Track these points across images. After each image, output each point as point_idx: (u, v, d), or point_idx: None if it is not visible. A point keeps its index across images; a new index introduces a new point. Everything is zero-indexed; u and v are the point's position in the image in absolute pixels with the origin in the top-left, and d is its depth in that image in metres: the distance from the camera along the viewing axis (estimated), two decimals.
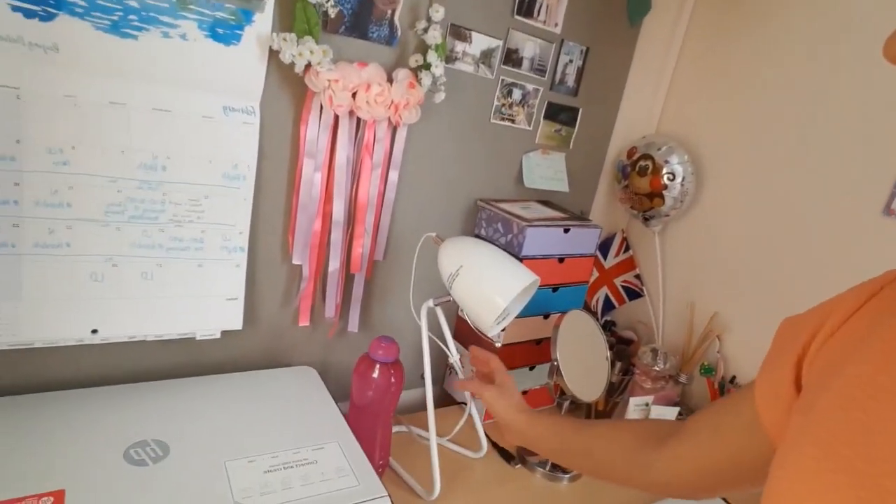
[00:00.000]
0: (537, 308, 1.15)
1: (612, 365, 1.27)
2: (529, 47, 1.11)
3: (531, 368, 1.24)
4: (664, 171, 1.24)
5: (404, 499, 0.91)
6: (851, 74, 1.04)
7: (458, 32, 1.01)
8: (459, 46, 1.02)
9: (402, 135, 0.99)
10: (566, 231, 1.13)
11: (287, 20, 0.83)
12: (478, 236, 1.18)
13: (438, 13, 0.94)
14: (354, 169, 0.97)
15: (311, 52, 0.82)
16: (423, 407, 0.91)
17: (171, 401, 0.84)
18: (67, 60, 0.69)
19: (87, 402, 0.80)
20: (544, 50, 1.13)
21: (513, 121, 1.16)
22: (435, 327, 0.95)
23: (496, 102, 1.12)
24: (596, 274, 1.43)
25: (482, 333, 0.86)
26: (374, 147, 0.96)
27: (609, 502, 1.02)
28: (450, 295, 0.88)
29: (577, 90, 1.23)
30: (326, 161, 0.93)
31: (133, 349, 0.88)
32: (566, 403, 1.14)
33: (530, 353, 1.20)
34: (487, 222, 1.15)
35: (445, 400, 1.24)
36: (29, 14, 0.65)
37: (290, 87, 0.88)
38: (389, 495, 0.75)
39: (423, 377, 0.90)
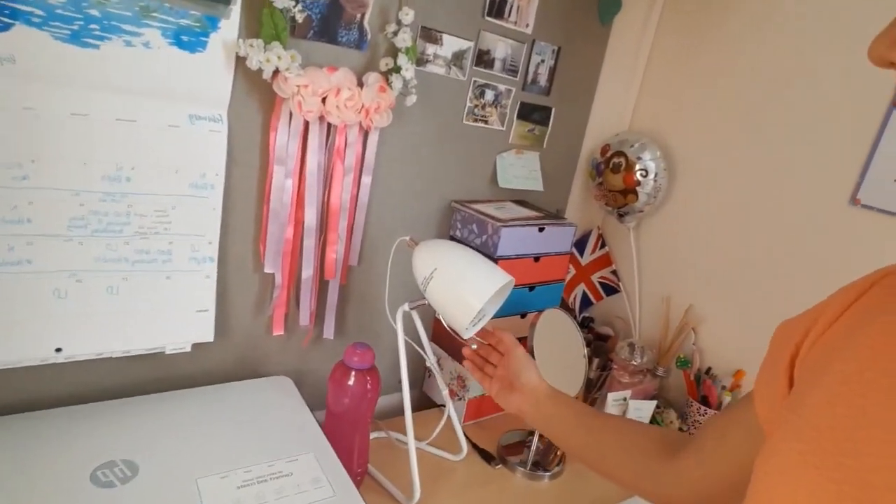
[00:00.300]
0: (514, 307, 1.15)
1: (590, 361, 1.28)
2: (501, 48, 1.11)
3: None
4: (637, 167, 1.25)
5: None
6: (817, 69, 1.06)
7: (428, 35, 1.00)
8: (430, 49, 1.01)
9: (374, 139, 0.98)
10: (541, 230, 1.13)
11: (254, 26, 0.81)
12: (453, 238, 1.17)
13: (408, 16, 0.93)
14: (326, 174, 0.96)
15: (279, 57, 0.81)
16: (402, 411, 0.90)
17: (141, 418, 0.82)
18: (25, 71, 0.67)
19: (51, 424, 0.78)
20: (516, 50, 1.13)
21: (486, 122, 1.16)
22: (411, 331, 0.94)
23: (469, 104, 1.11)
24: (573, 271, 1.44)
25: (458, 336, 0.86)
26: (346, 152, 0.95)
27: (589, 500, 1.03)
28: (425, 298, 0.87)
29: (550, 89, 1.23)
30: (297, 167, 0.92)
31: (100, 366, 0.86)
32: None
33: None
34: (462, 223, 1.15)
35: (424, 403, 1.24)
36: None
37: (258, 93, 0.86)
38: None
39: (400, 382, 0.89)
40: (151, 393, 0.89)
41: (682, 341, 1.28)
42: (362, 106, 0.91)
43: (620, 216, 1.33)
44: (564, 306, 1.40)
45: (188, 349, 0.90)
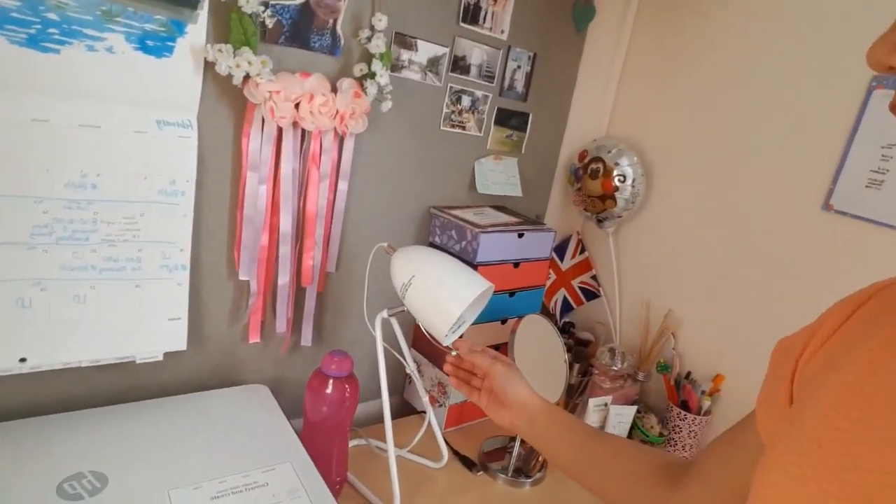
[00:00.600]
0: (494, 313, 1.15)
1: (571, 367, 1.28)
2: (477, 54, 1.11)
3: None
4: (615, 173, 1.25)
5: None
6: (791, 74, 1.07)
7: (403, 41, 1.00)
8: (405, 54, 1.01)
9: (349, 144, 0.98)
10: (520, 236, 1.13)
11: (222, 31, 0.80)
12: (432, 244, 1.17)
13: (381, 22, 0.93)
14: (301, 180, 0.95)
15: (249, 63, 0.80)
16: (382, 418, 0.89)
17: (111, 429, 0.80)
18: None
19: (16, 436, 0.76)
20: (492, 56, 1.14)
21: (463, 127, 1.16)
22: (390, 338, 0.94)
23: (445, 109, 1.11)
24: (553, 276, 1.44)
25: (438, 343, 0.85)
26: (321, 158, 0.95)
27: None
28: (404, 305, 0.86)
29: (527, 95, 1.24)
30: (271, 173, 0.91)
31: (67, 376, 0.84)
32: None
33: None
34: (441, 230, 1.14)
35: (405, 410, 1.23)
36: None
37: (228, 98, 0.85)
38: None
39: (380, 389, 0.88)
40: (122, 403, 0.87)
41: (662, 346, 1.29)
42: (337, 112, 0.91)
43: (599, 221, 1.34)
44: (545, 312, 1.40)
45: (160, 358, 0.88)
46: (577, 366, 1.30)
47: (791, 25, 1.07)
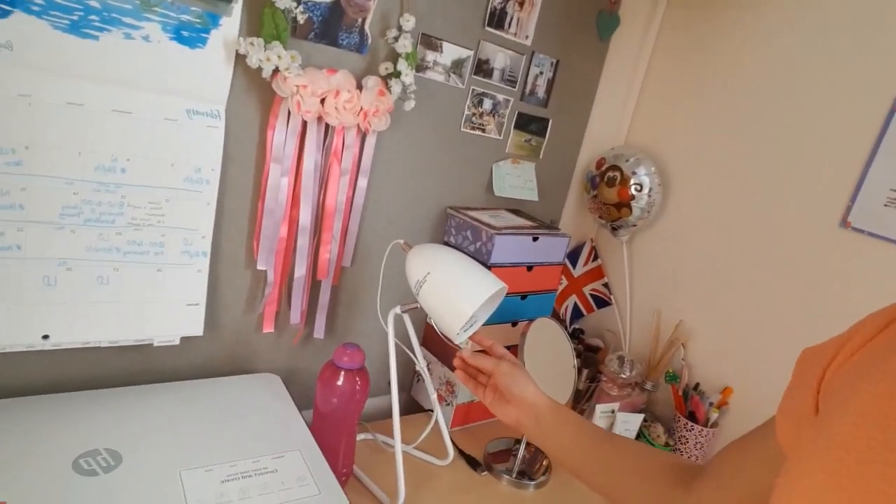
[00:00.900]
0: (506, 315, 1.16)
1: (579, 372, 1.28)
2: (500, 58, 1.12)
3: None
4: (632, 182, 1.26)
5: None
6: (812, 92, 1.08)
7: (429, 42, 1.01)
8: (430, 56, 1.03)
9: (371, 142, 0.99)
10: (535, 239, 1.14)
11: (255, 25, 0.82)
12: (447, 244, 1.18)
13: (409, 22, 0.94)
14: (322, 175, 0.96)
15: (279, 57, 0.82)
16: (390, 414, 0.90)
17: (126, 409, 0.82)
18: (22, 59, 0.67)
19: (36, 411, 0.78)
20: (515, 61, 1.15)
21: (483, 130, 1.17)
22: (402, 334, 0.94)
23: (467, 111, 1.12)
24: (565, 282, 1.44)
25: (449, 340, 0.86)
26: (343, 153, 0.96)
27: None
28: (417, 302, 0.87)
29: (548, 101, 1.24)
30: (294, 166, 0.92)
31: (87, 356, 0.86)
32: None
33: None
34: (457, 230, 1.15)
35: (412, 407, 1.24)
36: None
37: (257, 91, 0.87)
38: None
39: (389, 384, 0.89)
40: (138, 384, 0.89)
41: (672, 356, 1.29)
42: (361, 109, 0.92)
43: (614, 229, 1.34)
44: (556, 317, 1.40)
45: (177, 342, 0.89)
46: (585, 371, 1.30)
47: (814, 42, 1.07)
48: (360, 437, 1.04)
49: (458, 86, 1.09)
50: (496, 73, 1.13)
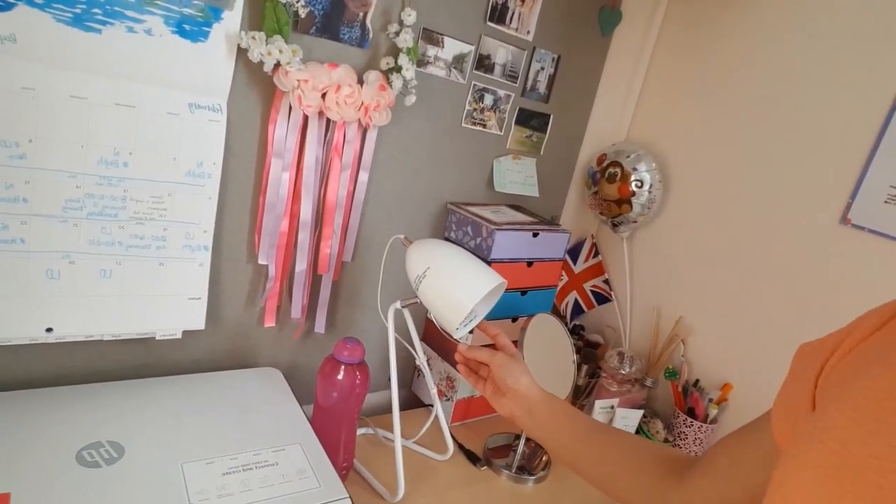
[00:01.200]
0: (506, 311, 1.16)
1: (579, 368, 1.28)
2: (501, 53, 1.12)
3: None
4: (632, 178, 1.26)
5: (367, 501, 0.91)
6: (814, 89, 1.08)
7: (430, 37, 1.01)
8: (431, 51, 1.03)
9: (372, 136, 0.99)
10: (535, 235, 1.14)
11: (257, 19, 0.82)
12: (447, 239, 1.18)
13: (410, 17, 0.94)
14: (323, 169, 0.97)
15: (281, 51, 0.82)
16: (390, 409, 0.91)
17: (129, 402, 0.83)
18: (25, 52, 0.68)
19: (39, 403, 0.78)
20: (516, 56, 1.15)
21: (484, 125, 1.17)
22: (402, 329, 0.95)
23: (468, 107, 1.12)
24: (566, 278, 1.45)
25: (449, 335, 0.87)
26: (344, 148, 0.96)
27: None
28: (417, 297, 0.88)
29: (549, 97, 1.24)
30: (295, 161, 0.92)
31: (90, 349, 0.86)
32: None
33: None
34: (457, 225, 1.15)
35: (412, 402, 1.24)
36: None
37: (258, 85, 0.87)
38: (350, 497, 0.75)
39: (389, 379, 0.90)
40: (140, 378, 0.89)
41: (671, 352, 1.29)
42: (362, 103, 0.92)
43: (614, 226, 1.34)
44: (556, 313, 1.40)
45: (179, 336, 0.90)
46: (585, 367, 1.31)
47: (816, 41, 1.07)
48: (360, 431, 1.05)
49: (460, 81, 1.09)
50: (497, 69, 1.13)
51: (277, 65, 0.83)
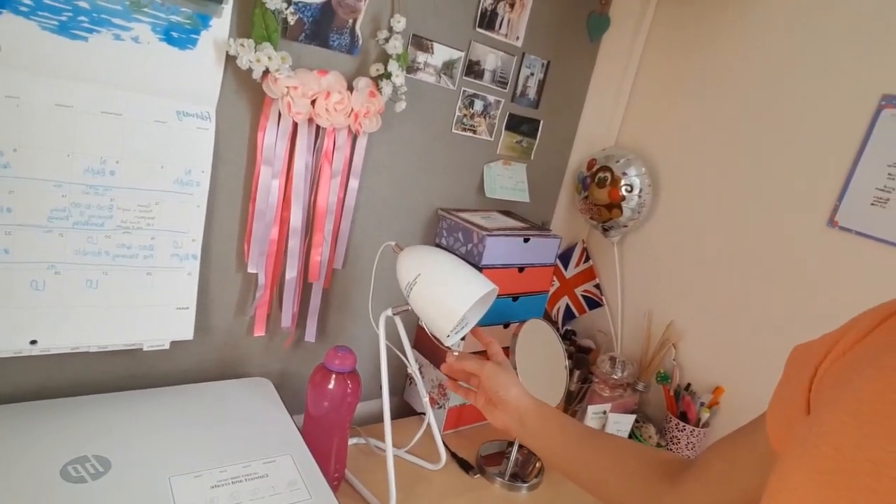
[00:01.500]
0: (497, 317, 1.16)
1: (571, 373, 1.28)
2: (491, 59, 1.13)
3: None
4: (622, 182, 1.26)
5: None
6: (800, 92, 1.09)
7: (419, 43, 1.01)
8: (421, 57, 1.03)
9: (362, 143, 0.99)
10: (526, 241, 1.14)
11: (245, 26, 0.82)
12: (438, 245, 1.18)
13: (400, 24, 0.94)
14: (313, 176, 0.96)
15: (270, 58, 0.81)
16: (381, 418, 0.90)
17: (115, 415, 0.81)
18: (10, 60, 0.67)
19: (23, 417, 0.76)
20: (506, 62, 1.15)
21: (474, 131, 1.17)
22: (394, 337, 0.94)
23: (458, 113, 1.12)
24: (557, 283, 1.45)
25: (440, 343, 0.86)
26: (334, 155, 0.96)
27: None
28: (408, 304, 0.87)
29: (539, 102, 1.25)
30: (284, 168, 0.92)
31: (75, 361, 0.85)
32: None
33: None
34: (448, 231, 1.15)
35: (404, 411, 1.24)
36: None
37: (247, 93, 0.86)
38: None
39: (381, 388, 0.89)
40: (128, 389, 0.88)
41: (663, 357, 1.29)
42: (351, 110, 0.92)
43: (605, 230, 1.35)
44: (547, 318, 1.40)
45: (167, 346, 0.88)
46: (577, 372, 1.31)
47: (802, 45, 1.08)
48: (351, 441, 1.04)
49: (449, 87, 1.09)
50: (487, 75, 1.14)
51: (266, 72, 0.82)
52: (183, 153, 0.81)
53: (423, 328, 1.17)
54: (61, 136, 0.72)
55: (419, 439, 1.02)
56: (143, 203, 0.80)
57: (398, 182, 1.09)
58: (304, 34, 0.88)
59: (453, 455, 1.09)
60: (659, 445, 1.22)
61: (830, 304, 1.04)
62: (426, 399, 1.01)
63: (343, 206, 1.01)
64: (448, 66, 1.07)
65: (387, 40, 0.94)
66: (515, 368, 1.01)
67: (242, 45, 0.79)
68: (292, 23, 0.85)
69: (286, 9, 0.83)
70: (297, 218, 0.94)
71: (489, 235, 1.07)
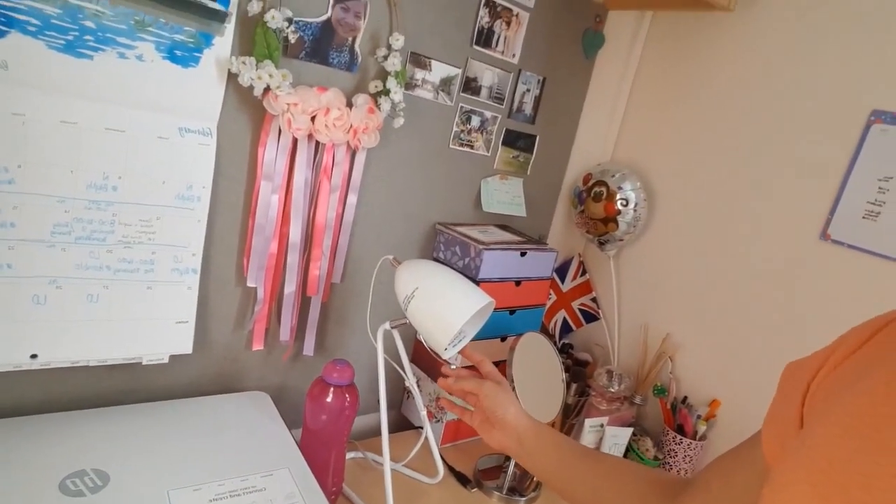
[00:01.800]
0: (494, 331, 1.16)
1: (568, 386, 1.29)
2: (488, 76, 1.15)
3: None
4: (618, 197, 1.28)
5: None
6: (793, 107, 1.11)
7: (417, 60, 1.03)
8: (419, 74, 1.04)
9: (360, 158, 1.00)
10: (523, 254, 1.15)
11: (247, 44, 0.83)
12: (436, 259, 1.19)
13: (398, 41, 0.96)
14: (313, 191, 0.97)
15: (271, 75, 0.83)
16: (379, 432, 0.90)
17: (115, 428, 0.81)
18: (17, 78, 0.68)
19: (22, 431, 0.77)
20: (502, 79, 1.17)
21: (471, 147, 1.18)
22: (392, 351, 0.95)
23: (455, 128, 1.14)
24: (554, 297, 1.46)
25: (437, 356, 0.87)
26: (333, 170, 0.97)
27: None
28: (406, 317, 0.88)
29: (535, 118, 1.27)
30: (284, 183, 0.93)
31: (75, 375, 0.85)
32: None
33: None
34: (446, 245, 1.16)
35: (402, 425, 1.24)
36: None
37: (248, 109, 0.88)
38: None
39: (379, 401, 0.89)
40: (127, 403, 0.88)
41: (660, 370, 1.30)
42: (351, 126, 0.93)
43: (601, 244, 1.36)
44: (544, 332, 1.41)
45: (166, 360, 0.89)
46: (574, 386, 1.31)
47: (794, 60, 1.10)
48: (349, 455, 1.04)
49: (447, 103, 1.11)
50: (484, 91, 1.15)
51: (267, 89, 0.84)
52: (184, 169, 0.82)
53: (421, 342, 1.18)
54: (65, 152, 0.73)
55: (417, 453, 1.02)
56: (145, 218, 0.81)
57: (396, 197, 1.11)
58: (304, 52, 0.89)
59: (451, 469, 1.09)
60: (656, 458, 1.22)
61: (824, 315, 1.05)
62: (424, 413, 1.01)
63: (342, 221, 1.03)
64: (446, 83, 1.09)
65: (385, 58, 0.96)
66: (512, 382, 1.02)
67: (244, 62, 0.81)
68: (293, 41, 0.87)
69: (287, 27, 0.84)
70: (296, 232, 0.95)
71: (486, 249, 1.08)
